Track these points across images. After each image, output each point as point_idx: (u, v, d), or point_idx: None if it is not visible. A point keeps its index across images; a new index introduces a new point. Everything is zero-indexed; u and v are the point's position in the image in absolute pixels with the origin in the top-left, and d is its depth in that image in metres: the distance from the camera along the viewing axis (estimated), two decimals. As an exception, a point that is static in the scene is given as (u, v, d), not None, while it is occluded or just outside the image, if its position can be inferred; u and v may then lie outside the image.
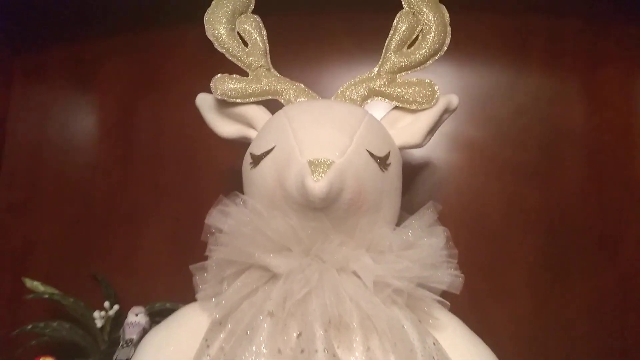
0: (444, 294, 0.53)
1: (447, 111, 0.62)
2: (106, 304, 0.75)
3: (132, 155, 0.89)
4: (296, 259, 0.49)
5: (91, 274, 0.83)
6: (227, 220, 0.51)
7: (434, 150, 0.82)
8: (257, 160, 0.53)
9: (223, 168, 0.84)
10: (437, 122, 0.61)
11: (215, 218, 0.53)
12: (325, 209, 0.48)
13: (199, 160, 0.85)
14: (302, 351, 0.45)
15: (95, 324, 0.73)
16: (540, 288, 0.77)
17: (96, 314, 0.74)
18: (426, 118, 0.60)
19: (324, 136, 0.50)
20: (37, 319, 0.75)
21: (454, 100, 0.61)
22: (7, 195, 0.89)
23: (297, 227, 0.49)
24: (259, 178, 0.53)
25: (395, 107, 0.62)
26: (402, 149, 0.60)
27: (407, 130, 0.60)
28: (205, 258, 0.55)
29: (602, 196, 0.78)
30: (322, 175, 0.46)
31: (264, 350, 0.46)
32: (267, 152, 0.52)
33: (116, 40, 0.92)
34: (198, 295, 0.55)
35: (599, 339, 0.75)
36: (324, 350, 0.44)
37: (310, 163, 0.47)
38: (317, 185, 0.45)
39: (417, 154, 0.82)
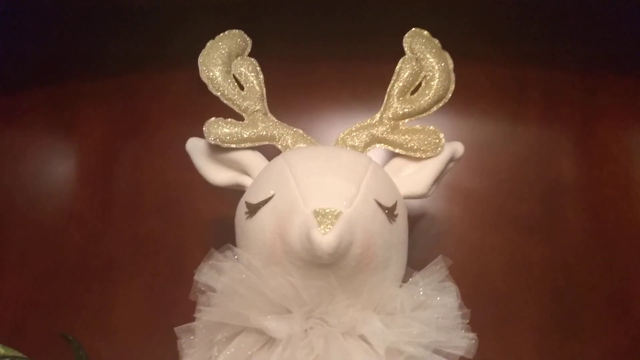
0: None
1: (452, 160, 0.59)
2: (75, 368, 0.67)
3: (110, 203, 0.83)
4: (298, 322, 0.44)
5: (60, 334, 0.75)
6: (219, 278, 0.46)
7: (432, 201, 0.78)
8: (253, 210, 0.49)
9: (208, 219, 0.79)
10: (442, 171, 0.58)
11: (206, 274, 0.47)
12: (332, 266, 0.43)
13: (182, 210, 0.80)
14: None
15: (61, 392, 0.65)
16: (548, 350, 0.72)
17: (63, 380, 0.66)
18: (432, 167, 0.57)
19: (330, 185, 0.47)
20: (-7, 386, 0.66)
21: (459, 148, 0.59)
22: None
23: (300, 287, 0.44)
24: (255, 230, 0.48)
25: (398, 155, 0.59)
26: (406, 198, 0.56)
27: (411, 179, 0.57)
28: (188, 316, 0.49)
29: (607, 252, 0.75)
30: (330, 227, 0.42)
31: None
32: (266, 201, 0.48)
33: (98, 82, 0.88)
34: (183, 363, 0.49)
35: (614, 405, 0.70)
36: None
37: (316, 213, 0.43)
38: (325, 238, 0.41)
39: (415, 204, 0.78)
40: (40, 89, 0.89)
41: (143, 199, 0.82)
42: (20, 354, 0.67)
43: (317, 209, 0.43)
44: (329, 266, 0.43)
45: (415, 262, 0.53)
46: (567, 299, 0.74)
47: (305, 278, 0.44)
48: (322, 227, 0.42)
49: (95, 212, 0.82)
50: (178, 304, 0.73)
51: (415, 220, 0.78)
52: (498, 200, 0.78)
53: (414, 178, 0.57)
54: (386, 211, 0.48)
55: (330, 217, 0.42)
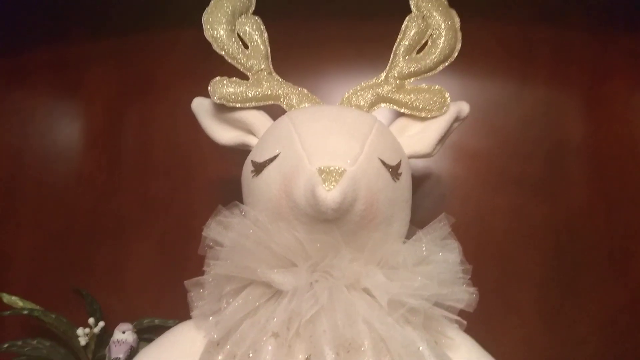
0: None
1: (457, 119, 0.59)
2: (91, 320, 0.70)
3: (119, 164, 0.84)
4: (303, 275, 0.46)
5: (74, 289, 0.77)
6: (227, 233, 0.47)
7: (438, 161, 0.79)
8: (259, 168, 0.50)
9: (216, 177, 0.80)
10: (447, 131, 0.58)
11: (213, 230, 0.49)
12: (336, 221, 0.44)
13: (191, 170, 0.81)
14: (312, 377, 0.41)
15: (78, 342, 0.68)
16: (549, 305, 0.74)
17: (80, 331, 0.69)
18: (437, 126, 0.57)
19: (334, 143, 0.47)
20: (14, 337, 0.69)
21: (464, 108, 0.59)
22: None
23: (305, 241, 0.45)
24: (261, 187, 0.49)
25: (403, 115, 0.59)
26: (411, 158, 0.57)
27: (416, 138, 0.57)
28: (197, 272, 0.51)
29: (610, 210, 0.76)
30: (335, 184, 0.42)
31: (268, 374, 0.42)
32: (271, 160, 0.49)
33: (104, 43, 0.88)
34: (193, 313, 0.51)
35: (611, 356, 0.72)
36: (336, 376, 0.40)
37: (321, 171, 0.43)
38: (330, 194, 0.42)
39: (421, 164, 0.79)
40: (46, 49, 0.88)
41: (151, 159, 0.83)
42: (37, 307, 0.70)
43: (322, 167, 0.44)
44: (333, 222, 0.44)
45: (420, 222, 0.54)
46: (569, 257, 0.75)
47: (310, 233, 0.45)
48: (326, 184, 0.42)
49: (104, 172, 0.84)
50: (188, 260, 0.76)
51: (420, 180, 0.79)
52: (503, 161, 0.78)
53: (419, 137, 0.57)
54: (390, 169, 0.49)
55: (334, 174, 0.43)
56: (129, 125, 0.85)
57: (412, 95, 0.58)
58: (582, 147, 0.78)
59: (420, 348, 0.44)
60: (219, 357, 0.47)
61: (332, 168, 0.44)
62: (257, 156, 0.51)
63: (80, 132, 0.86)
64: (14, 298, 0.70)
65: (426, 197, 0.79)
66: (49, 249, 0.81)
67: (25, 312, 0.69)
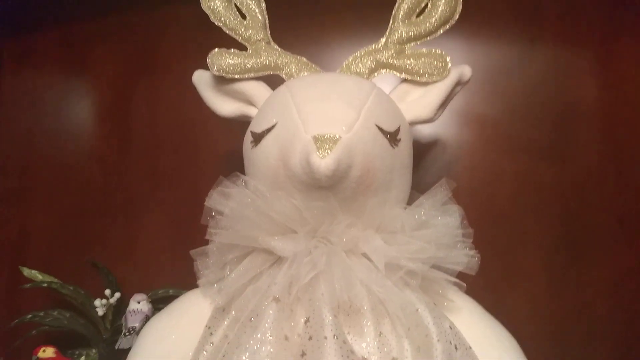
0: (458, 276, 0.50)
1: (459, 83, 0.58)
2: (107, 291, 0.73)
3: (128, 140, 0.86)
4: (302, 242, 0.46)
5: (90, 262, 0.80)
6: (227, 203, 0.48)
7: (444, 127, 0.78)
8: (258, 138, 0.50)
9: (222, 151, 0.81)
10: (449, 95, 0.57)
11: (215, 200, 0.50)
12: (332, 188, 0.45)
13: (197, 144, 0.82)
14: (310, 338, 0.42)
15: (96, 313, 0.71)
16: (556, 269, 0.74)
17: (97, 302, 0.71)
18: (438, 91, 0.56)
19: (330, 110, 0.47)
20: (36, 309, 0.72)
21: (466, 71, 0.58)
22: (1, 184, 0.86)
23: (303, 208, 0.46)
24: (260, 157, 0.50)
25: (405, 80, 0.58)
26: (412, 124, 0.57)
27: (417, 104, 0.56)
28: (207, 243, 0.52)
29: (620, 173, 0.75)
30: (329, 151, 0.43)
31: (270, 337, 0.43)
32: (269, 130, 0.49)
33: (106, 21, 0.89)
34: (200, 282, 0.52)
35: (619, 320, 0.72)
36: (334, 337, 0.41)
37: (316, 139, 0.44)
38: (324, 162, 0.42)
39: (427, 130, 0.78)
40: (53, 30, 0.90)
41: (158, 134, 0.85)
42: (55, 280, 0.73)
43: (317, 135, 0.44)
44: (329, 188, 0.45)
45: (426, 188, 0.53)
46: (578, 221, 0.75)
47: (307, 200, 0.46)
48: (320, 152, 0.43)
49: (114, 149, 0.86)
50: (198, 231, 0.76)
51: (426, 146, 0.79)
52: (510, 125, 0.77)
53: (420, 102, 0.56)
54: (388, 136, 0.49)
55: (329, 142, 0.43)
56: (136, 102, 0.86)
57: (412, 60, 0.57)
58: (592, 110, 0.76)
59: (419, 310, 0.45)
60: (225, 322, 0.48)
61: (326, 135, 0.44)
62: (256, 127, 0.52)
63: (88, 111, 0.87)
64: (33, 272, 0.72)
65: (433, 163, 0.78)
66: (65, 225, 0.84)
67: (45, 284, 0.72)
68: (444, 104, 0.58)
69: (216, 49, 0.58)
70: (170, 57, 0.85)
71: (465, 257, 0.49)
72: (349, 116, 0.46)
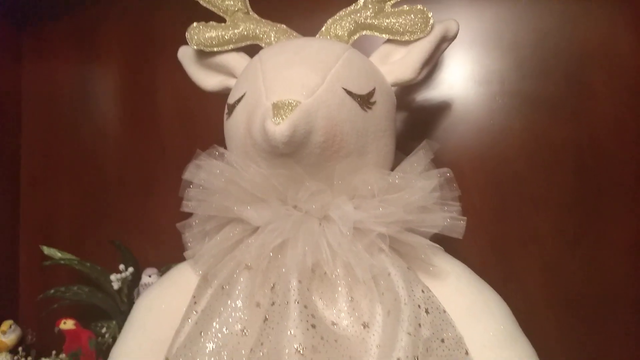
0: (460, 240, 0.48)
1: (445, 40, 0.55)
2: (121, 266, 0.76)
3: (138, 121, 0.89)
4: (273, 210, 0.47)
5: (109, 240, 0.84)
6: (198, 173, 0.49)
7: (448, 86, 0.75)
8: (231, 109, 0.50)
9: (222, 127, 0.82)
10: (433, 53, 0.54)
11: (190, 173, 0.51)
12: (294, 155, 0.44)
13: (199, 119, 0.83)
14: (273, 304, 0.43)
15: (112, 287, 0.75)
16: (570, 231, 0.70)
17: (112, 276, 0.75)
18: (420, 50, 0.54)
19: (292, 76, 0.46)
20: (57, 284, 0.77)
21: (452, 26, 0.54)
22: (27, 169, 0.91)
23: (270, 176, 0.46)
24: (232, 128, 0.50)
25: (387, 41, 0.56)
26: (396, 85, 0.55)
27: (399, 64, 0.54)
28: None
29: (639, 126, 0.69)
30: (284, 117, 0.42)
31: (240, 305, 0.44)
32: (239, 100, 0.49)
33: (109, 3, 0.90)
34: (186, 254, 0.54)
35: (637, 282, 0.68)
36: (295, 302, 0.41)
37: (274, 105, 0.43)
38: (278, 128, 0.41)
39: (432, 93, 0.76)
40: (65, 18, 0.93)
41: (166, 113, 0.86)
42: (73, 257, 0.77)
43: (276, 101, 0.43)
44: (291, 155, 0.44)
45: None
46: (593, 180, 0.70)
47: (272, 168, 0.46)
48: (275, 118, 0.42)
49: (127, 130, 0.88)
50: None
51: (430, 107, 0.76)
52: (519, 81, 0.73)
53: (402, 63, 0.54)
54: (358, 99, 0.47)
55: (285, 108, 0.42)
56: (145, 82, 0.88)
57: (391, 19, 0.55)
58: (606, 57, 0.70)
59: (391, 274, 0.44)
60: (209, 291, 0.50)
61: (284, 101, 0.43)
62: (231, 98, 0.52)
63: (102, 94, 0.91)
64: (52, 250, 0.77)
65: (437, 125, 0.76)
66: (85, 206, 0.88)
67: (63, 262, 0.76)
68: (428, 63, 0.55)
69: (194, 23, 0.58)
70: (178, 35, 0.86)
71: (441, 220, 0.47)
72: (311, 81, 0.45)
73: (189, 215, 0.82)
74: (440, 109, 0.76)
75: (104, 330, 0.75)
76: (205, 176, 0.49)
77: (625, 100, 0.70)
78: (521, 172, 0.72)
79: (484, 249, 0.72)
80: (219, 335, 0.44)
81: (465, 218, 0.49)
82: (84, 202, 0.88)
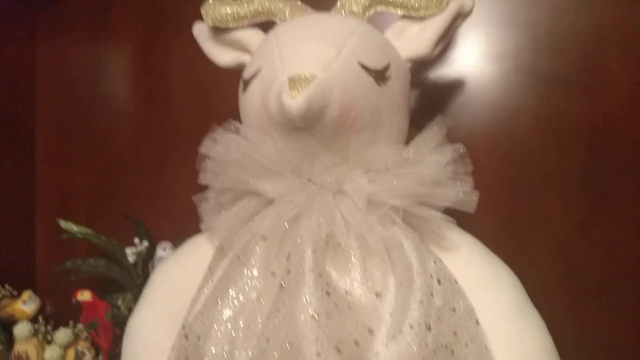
0: (472, 217, 0.49)
1: (460, 16, 0.55)
2: (136, 240, 0.78)
3: (152, 98, 0.89)
4: (288, 183, 0.47)
5: (125, 216, 0.86)
6: (214, 147, 0.50)
7: (462, 63, 0.75)
8: (246, 84, 0.51)
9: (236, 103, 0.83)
10: (448, 29, 0.54)
11: (207, 146, 0.52)
12: (310, 129, 0.45)
13: (212, 96, 0.84)
14: (289, 272, 0.44)
15: (127, 260, 0.77)
16: (580, 210, 0.70)
17: (128, 250, 0.77)
18: (434, 26, 0.54)
19: (308, 50, 0.47)
20: (74, 258, 0.79)
21: (467, 3, 0.54)
22: (44, 146, 0.93)
23: (285, 150, 0.47)
24: (248, 102, 0.51)
25: (402, 17, 0.56)
26: (410, 61, 0.55)
27: (414, 40, 0.54)
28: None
29: (655, 105, 0.69)
30: (301, 91, 0.43)
31: (256, 274, 0.45)
32: (255, 75, 0.50)
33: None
34: (202, 226, 0.55)
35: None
36: (310, 271, 0.42)
37: (290, 79, 0.44)
38: (294, 102, 0.42)
39: (446, 70, 0.75)
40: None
41: (179, 91, 0.87)
42: (89, 231, 0.79)
43: (292, 75, 0.44)
44: (306, 129, 0.45)
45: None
46: (605, 159, 0.70)
47: (287, 141, 0.46)
48: (291, 91, 0.42)
49: (141, 108, 0.89)
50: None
51: (444, 84, 0.76)
52: (533, 58, 0.72)
53: (417, 38, 0.54)
54: (373, 74, 0.48)
55: (302, 82, 0.43)
56: (158, 60, 0.89)
57: (407, -6, 0.55)
58: (622, 35, 0.69)
59: (403, 245, 0.45)
60: (224, 262, 0.51)
61: (300, 75, 0.44)
62: (246, 73, 0.52)
63: (116, 71, 0.91)
64: (69, 224, 0.79)
65: (450, 103, 0.76)
66: (101, 182, 0.90)
67: (80, 235, 0.78)
68: (442, 39, 0.55)
69: (210, 0, 0.58)
70: (190, 13, 0.86)
71: (454, 194, 0.47)
72: (326, 55, 0.46)
73: (202, 189, 0.85)
74: (453, 87, 0.76)
75: (119, 302, 0.77)
76: (222, 150, 0.50)
77: (637, 79, 0.69)
78: (534, 150, 0.73)
79: (495, 226, 0.72)
80: (235, 302, 0.45)
81: (477, 193, 0.50)
82: (98, 178, 0.90)
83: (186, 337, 0.47)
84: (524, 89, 0.73)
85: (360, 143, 0.47)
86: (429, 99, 0.77)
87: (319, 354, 0.39)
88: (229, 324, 0.44)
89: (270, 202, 0.50)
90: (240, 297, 0.45)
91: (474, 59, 0.75)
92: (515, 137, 0.73)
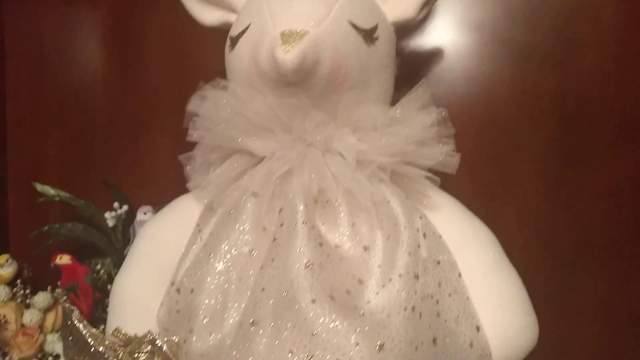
0: (448, 181, 0.52)
1: (445, -19, 0.56)
2: (115, 204, 0.77)
3: (128, 62, 0.88)
4: (278, 140, 0.48)
5: (102, 181, 0.84)
6: (203, 104, 0.50)
7: (441, 35, 0.76)
8: (234, 42, 0.51)
9: (221, 69, 0.82)
10: None
11: (195, 104, 0.51)
12: (301, 84, 0.45)
13: (194, 60, 0.83)
14: (282, 225, 0.45)
15: (107, 224, 0.76)
16: (551, 177, 0.74)
17: (107, 214, 0.76)
18: None
19: (299, 6, 0.47)
20: (51, 222, 0.78)
21: (452, -32, 0.55)
22: (14, 110, 0.90)
23: (275, 106, 0.47)
24: (236, 60, 0.50)
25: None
26: (396, 24, 0.55)
27: (400, 3, 0.55)
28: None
29: (623, 77, 0.72)
30: (294, 45, 0.43)
31: (247, 228, 0.46)
32: (243, 32, 0.50)
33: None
34: (189, 185, 0.55)
35: (612, 228, 0.73)
36: (303, 223, 0.43)
37: (282, 34, 0.44)
38: (288, 56, 0.43)
39: (423, 39, 0.77)
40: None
41: (156, 55, 0.86)
42: (68, 194, 0.77)
43: (284, 30, 0.44)
44: (298, 85, 0.45)
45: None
46: (576, 128, 0.73)
47: (278, 98, 0.47)
48: (285, 45, 0.43)
49: (116, 71, 0.87)
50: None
51: (422, 53, 0.77)
52: (509, 30, 0.75)
53: (403, 1, 0.55)
54: (362, 33, 0.48)
55: (294, 36, 0.43)
56: (134, 23, 0.87)
57: (394, -42, 0.55)
58: (596, 9, 0.72)
59: (390, 202, 0.47)
60: (213, 219, 0.51)
61: (293, 30, 0.44)
62: (233, 31, 0.52)
63: (89, 34, 0.89)
64: (46, 187, 0.77)
65: (429, 71, 0.77)
66: (76, 147, 0.88)
67: (57, 198, 0.77)
68: (427, 3, 0.56)
69: (193, -43, 0.57)
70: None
71: (439, 154, 0.49)
72: (318, 12, 0.46)
73: (182, 154, 0.84)
74: (431, 56, 0.77)
75: (98, 267, 0.77)
76: (211, 107, 0.50)
77: (610, 52, 0.73)
78: (508, 119, 0.75)
79: (470, 190, 0.75)
80: (228, 256, 0.46)
81: (458, 154, 0.52)
82: (73, 143, 0.88)
83: (178, 290, 0.48)
84: (499, 59, 0.76)
85: (349, 102, 0.48)
86: (407, 68, 0.78)
87: (314, 301, 0.40)
88: (222, 277, 0.45)
89: (259, 161, 0.50)
90: (233, 251, 0.46)
91: (451, 29, 0.76)
92: (491, 105, 0.76)
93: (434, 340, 0.43)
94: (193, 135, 0.51)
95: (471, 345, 0.45)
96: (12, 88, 0.91)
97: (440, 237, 0.48)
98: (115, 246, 0.77)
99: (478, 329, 0.46)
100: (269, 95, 0.47)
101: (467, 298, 0.47)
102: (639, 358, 0.73)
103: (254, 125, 0.49)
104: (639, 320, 0.73)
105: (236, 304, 0.44)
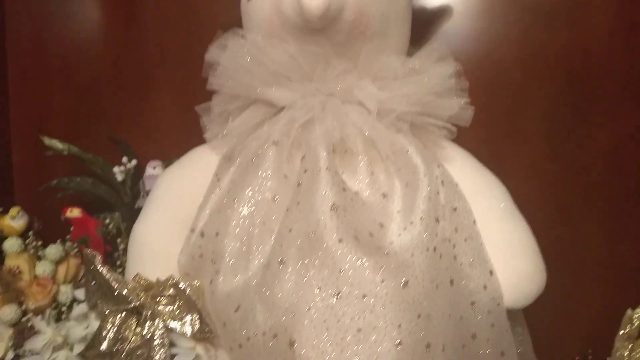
0: (458, 137, 0.53)
1: None
2: (124, 159, 0.77)
3: (133, 16, 0.86)
4: (299, 89, 0.49)
5: (108, 136, 0.84)
6: (223, 53, 0.50)
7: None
8: (253, -9, 0.51)
9: (225, 20, 0.81)
10: None
11: (213, 53, 0.51)
12: (325, 31, 0.46)
13: (202, 16, 0.82)
14: (305, 171, 0.46)
15: (116, 179, 0.76)
16: (557, 134, 0.76)
17: (116, 169, 0.76)
18: None
19: None
20: (60, 176, 0.78)
21: None
22: (17, 65, 0.88)
23: (297, 54, 0.47)
24: (255, 9, 0.50)
25: None
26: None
27: None
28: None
29: (629, 36, 0.73)
30: None
31: (270, 174, 0.47)
32: (263, -20, 0.49)
33: None
34: (206, 135, 0.55)
35: (614, 182, 0.75)
36: (327, 169, 0.44)
37: None
38: (314, 1, 0.43)
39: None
40: None
41: (163, 9, 0.84)
42: (75, 148, 0.77)
43: (310, -24, 0.44)
44: (321, 32, 0.46)
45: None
46: (582, 86, 0.75)
47: (301, 45, 0.47)
48: (310, -8, 0.43)
49: (121, 25, 0.86)
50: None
51: (432, 15, 0.77)
52: (518, -12, 0.75)
53: None
54: (383, -17, 0.49)
55: (320, -18, 0.44)
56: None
57: None
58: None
59: (409, 151, 0.48)
60: (232, 169, 0.52)
61: (319, -24, 0.44)
62: (252, -19, 0.52)
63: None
64: (53, 141, 0.76)
65: (437, 30, 0.77)
66: (81, 100, 0.87)
67: (65, 152, 0.76)
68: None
69: None
70: None
71: (456, 105, 0.50)
72: None
73: (189, 112, 0.84)
74: (440, 14, 0.77)
75: (107, 221, 0.77)
76: (231, 55, 0.50)
77: (617, 11, 0.73)
78: (515, 77, 0.76)
79: (478, 146, 0.76)
80: (252, 201, 0.47)
81: (473, 107, 0.53)
82: (77, 99, 0.87)
83: (202, 234, 0.49)
84: (508, 18, 0.76)
85: (370, 50, 0.48)
86: (415, 26, 0.78)
87: (340, 240, 0.41)
88: (246, 221, 0.46)
89: (278, 111, 0.51)
90: (258, 197, 0.47)
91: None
92: (499, 64, 0.76)
93: (451, 282, 0.45)
94: (212, 84, 0.51)
95: (485, 288, 0.47)
96: (14, 39, 0.89)
97: (456, 185, 0.50)
98: (124, 201, 0.78)
99: (491, 273, 0.48)
100: (291, 42, 0.47)
101: (481, 244, 0.49)
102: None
103: (273, 74, 0.49)
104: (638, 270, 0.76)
105: (260, 247, 0.45)
